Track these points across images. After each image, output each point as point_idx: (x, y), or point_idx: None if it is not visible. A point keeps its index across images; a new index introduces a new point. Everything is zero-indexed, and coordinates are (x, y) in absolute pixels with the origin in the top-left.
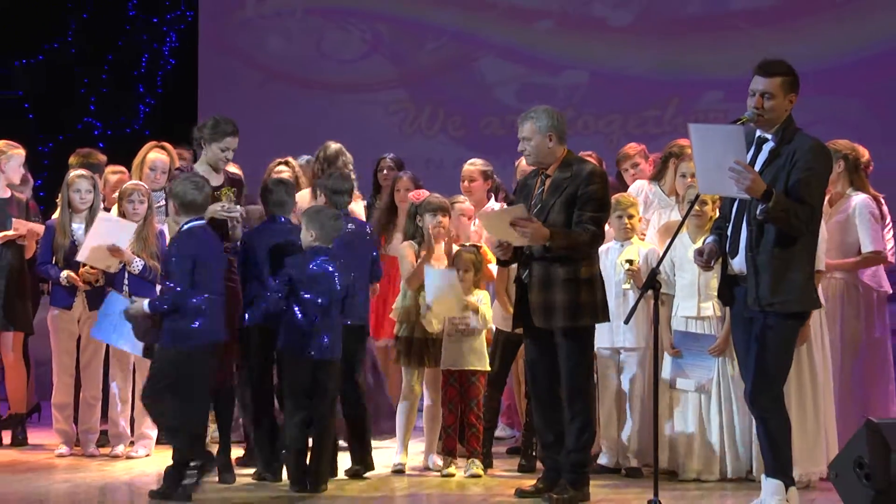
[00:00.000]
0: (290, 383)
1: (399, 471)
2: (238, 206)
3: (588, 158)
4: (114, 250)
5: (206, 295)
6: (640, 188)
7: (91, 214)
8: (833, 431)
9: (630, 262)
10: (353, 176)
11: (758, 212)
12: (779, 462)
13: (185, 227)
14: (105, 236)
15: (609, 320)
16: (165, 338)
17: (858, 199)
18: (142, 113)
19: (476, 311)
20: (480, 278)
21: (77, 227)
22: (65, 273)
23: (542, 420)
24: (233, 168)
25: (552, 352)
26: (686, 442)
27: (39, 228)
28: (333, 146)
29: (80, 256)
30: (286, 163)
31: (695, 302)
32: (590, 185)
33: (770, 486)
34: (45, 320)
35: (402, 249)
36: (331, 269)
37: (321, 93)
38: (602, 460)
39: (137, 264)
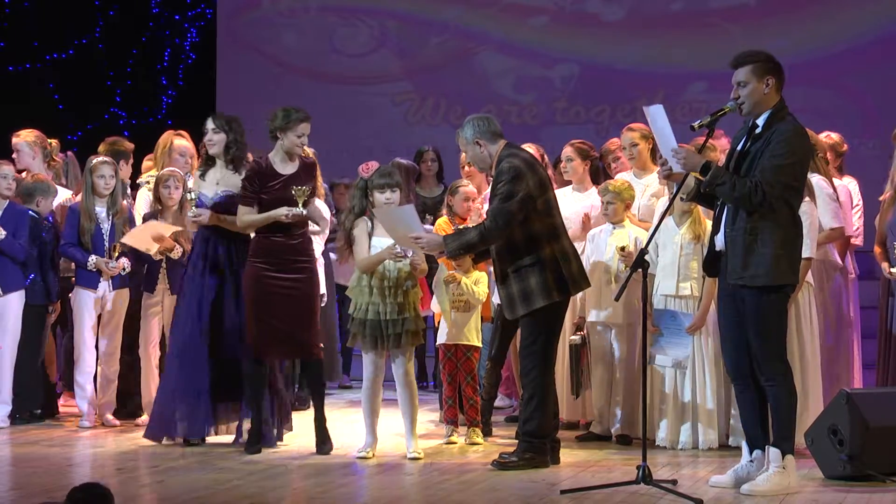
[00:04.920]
0: None
1: (364, 457)
2: (301, 210)
3: (580, 146)
4: (157, 238)
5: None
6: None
7: (113, 199)
8: (819, 404)
9: (623, 248)
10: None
11: (701, 186)
12: (780, 430)
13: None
14: (149, 226)
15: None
16: None
17: (813, 180)
18: (164, 104)
19: (459, 282)
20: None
21: (100, 210)
22: (93, 259)
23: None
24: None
25: None
26: (663, 413)
27: None
28: None
29: (124, 239)
30: None
31: (674, 281)
32: (496, 182)
33: (769, 453)
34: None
35: (355, 229)
36: None
37: (333, 85)
38: (593, 428)
39: (177, 251)
